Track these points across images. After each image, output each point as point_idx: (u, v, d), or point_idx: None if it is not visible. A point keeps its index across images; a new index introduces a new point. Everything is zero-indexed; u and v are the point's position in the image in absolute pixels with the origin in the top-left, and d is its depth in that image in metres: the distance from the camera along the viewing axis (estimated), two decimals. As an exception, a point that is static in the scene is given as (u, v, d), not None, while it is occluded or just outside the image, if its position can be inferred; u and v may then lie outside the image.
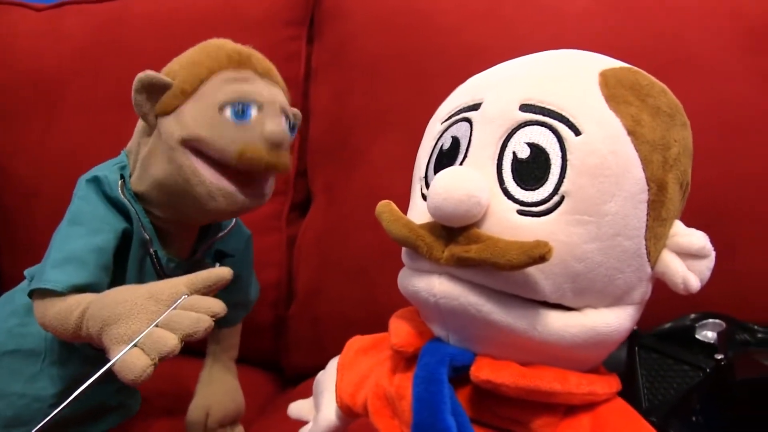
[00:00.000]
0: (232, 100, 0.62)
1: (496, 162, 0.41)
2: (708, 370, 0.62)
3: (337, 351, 0.95)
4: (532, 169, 0.40)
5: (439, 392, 0.41)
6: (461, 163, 0.42)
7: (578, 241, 0.39)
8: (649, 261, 0.42)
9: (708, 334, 0.67)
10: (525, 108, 0.41)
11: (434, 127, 0.46)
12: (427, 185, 0.44)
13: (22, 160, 1.07)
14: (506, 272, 0.39)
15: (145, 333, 0.49)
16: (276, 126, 0.62)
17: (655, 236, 0.42)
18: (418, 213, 0.44)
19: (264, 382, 0.99)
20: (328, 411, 0.55)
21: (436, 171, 0.43)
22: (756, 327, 0.69)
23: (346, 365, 0.54)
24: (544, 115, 0.40)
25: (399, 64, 0.96)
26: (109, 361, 0.48)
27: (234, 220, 0.75)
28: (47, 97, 1.06)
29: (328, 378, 0.57)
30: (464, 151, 0.42)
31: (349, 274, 0.93)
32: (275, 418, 0.83)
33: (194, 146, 0.62)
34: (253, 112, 0.62)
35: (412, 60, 0.95)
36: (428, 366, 0.42)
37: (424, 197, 0.44)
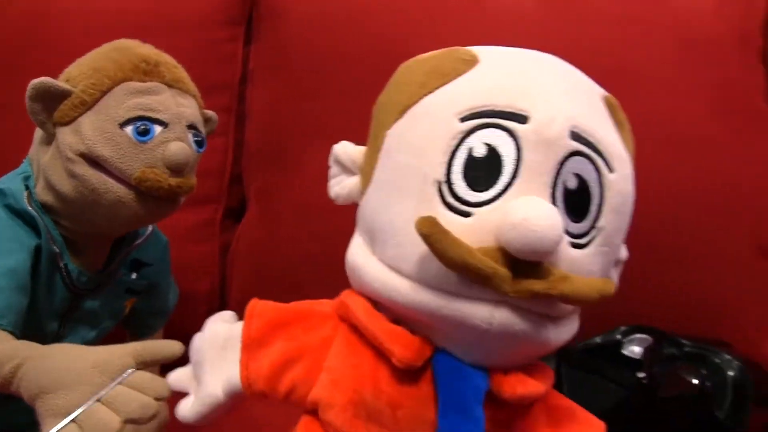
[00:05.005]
0: (134, 117, 0.59)
1: (551, 190, 0.40)
2: (631, 387, 0.62)
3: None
4: (579, 200, 0.41)
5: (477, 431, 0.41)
6: (510, 182, 0.40)
7: (598, 270, 0.43)
8: None
9: (635, 350, 0.66)
10: (574, 136, 0.40)
11: (447, 118, 0.42)
12: (453, 194, 0.40)
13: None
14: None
15: (85, 407, 0.45)
16: (179, 149, 0.59)
17: None
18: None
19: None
20: (213, 386, 0.49)
21: (468, 180, 0.40)
22: (684, 341, 0.69)
23: (255, 340, 0.48)
24: (589, 147, 0.41)
25: (339, 68, 0.93)
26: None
27: (151, 227, 0.72)
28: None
29: (211, 346, 0.51)
30: (513, 170, 0.40)
31: (283, 286, 0.91)
32: (207, 430, 0.81)
33: (94, 161, 0.59)
34: (157, 130, 0.59)
35: (353, 64, 0.93)
36: (464, 400, 0.42)
37: (449, 207, 0.40)
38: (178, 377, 0.53)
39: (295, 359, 0.46)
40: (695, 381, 0.63)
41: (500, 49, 0.46)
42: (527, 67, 0.44)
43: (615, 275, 0.47)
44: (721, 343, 0.70)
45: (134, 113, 0.59)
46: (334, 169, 0.51)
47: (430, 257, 0.39)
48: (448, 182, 0.40)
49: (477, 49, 0.45)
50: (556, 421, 0.46)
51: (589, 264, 0.42)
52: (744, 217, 0.86)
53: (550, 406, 0.47)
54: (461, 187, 0.40)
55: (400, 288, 0.41)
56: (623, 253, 0.48)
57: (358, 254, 0.46)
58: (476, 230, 0.39)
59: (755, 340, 0.86)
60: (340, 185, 0.49)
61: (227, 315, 0.54)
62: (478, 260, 0.37)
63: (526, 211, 0.37)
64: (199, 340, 0.52)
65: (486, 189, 0.40)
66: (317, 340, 0.46)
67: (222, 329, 0.51)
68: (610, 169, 0.42)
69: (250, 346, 0.47)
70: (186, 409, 0.51)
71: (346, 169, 0.49)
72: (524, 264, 0.38)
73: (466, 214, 0.40)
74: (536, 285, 0.38)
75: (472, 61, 0.44)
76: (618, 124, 0.45)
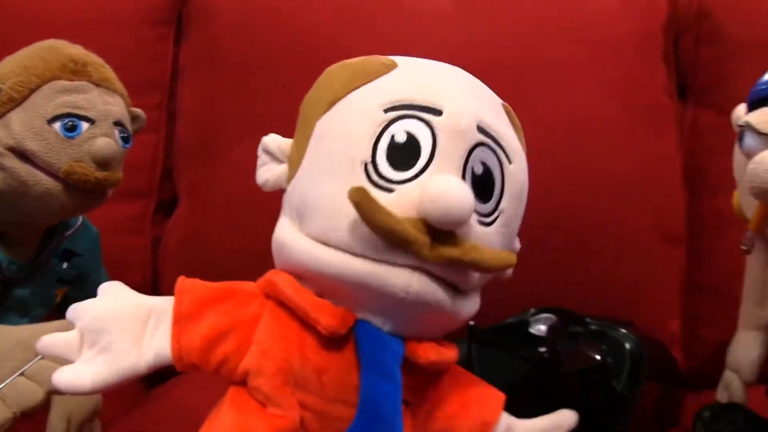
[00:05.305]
0: (62, 114, 0.61)
1: (461, 173, 0.45)
2: (534, 362, 0.67)
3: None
4: (484, 185, 0.46)
5: (396, 393, 0.45)
6: (427, 164, 0.44)
7: (500, 247, 0.48)
8: None
9: (541, 328, 0.71)
10: (480, 130, 0.46)
11: (372, 109, 0.46)
12: (377, 173, 0.45)
13: None
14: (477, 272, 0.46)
15: (8, 381, 0.46)
16: (105, 144, 0.62)
17: None
18: None
19: (129, 382, 0.97)
20: (134, 359, 0.47)
21: (390, 161, 0.45)
22: (589, 320, 0.73)
23: (186, 315, 0.48)
24: (492, 140, 0.46)
25: (265, 66, 0.97)
26: None
27: (80, 218, 0.74)
28: None
29: (125, 317, 0.48)
30: (429, 153, 0.45)
31: (213, 276, 0.92)
32: (139, 417, 0.83)
33: (23, 154, 0.61)
34: (84, 126, 0.62)
35: (277, 62, 0.97)
36: (384, 363, 0.46)
37: (374, 184, 0.45)
38: (53, 342, 0.48)
39: (227, 333, 0.48)
40: (597, 356, 0.69)
41: (415, 59, 0.51)
42: (439, 73, 0.50)
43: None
44: (626, 323, 0.75)
45: (62, 110, 0.61)
46: (263, 158, 0.54)
47: (358, 226, 0.43)
48: (374, 163, 0.45)
49: (395, 57, 0.50)
50: (463, 391, 0.51)
51: (493, 241, 0.47)
52: (647, 204, 0.93)
53: (456, 377, 0.51)
54: (384, 166, 0.45)
55: (329, 259, 0.45)
56: (517, 245, 0.53)
57: (286, 233, 0.49)
58: (398, 204, 0.43)
59: (658, 318, 0.93)
60: (269, 172, 0.53)
61: (123, 286, 0.51)
62: (402, 226, 0.42)
63: (444, 185, 0.42)
64: (103, 308, 0.49)
65: (406, 169, 0.44)
66: (247, 316, 0.48)
67: (144, 301, 0.50)
68: (509, 161, 0.48)
69: (181, 321, 0.48)
70: (85, 377, 0.46)
71: (275, 158, 0.53)
72: (441, 234, 0.43)
73: (389, 190, 0.44)
74: (451, 252, 0.43)
75: (392, 66, 0.49)
76: (514, 126, 0.51)
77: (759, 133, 0.51)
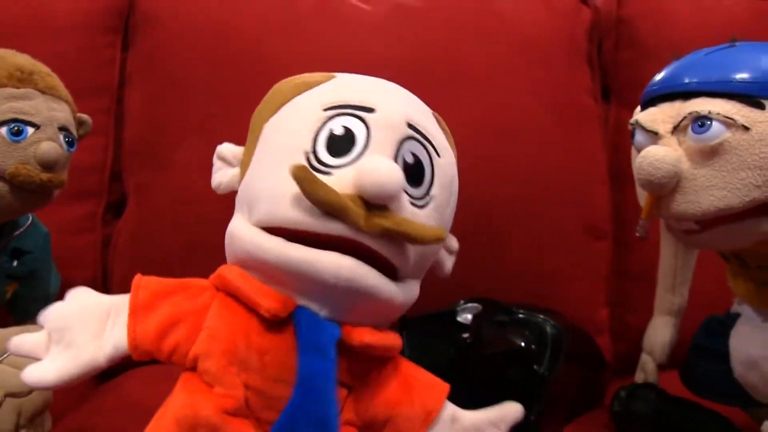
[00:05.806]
0: (8, 120, 0.64)
1: (393, 160, 0.50)
2: (459, 347, 0.71)
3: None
4: (415, 172, 0.51)
5: (330, 370, 0.49)
6: (362, 152, 0.49)
7: None
8: None
9: (467, 316, 0.76)
10: (410, 126, 0.51)
11: (314, 109, 0.51)
12: (317, 160, 0.49)
13: None
14: (408, 245, 0.50)
15: None
16: (50, 148, 0.65)
17: None
18: None
19: (91, 374, 0.98)
20: (94, 352, 0.51)
21: (330, 151, 0.49)
22: (515, 309, 0.78)
23: (142, 307, 0.51)
24: (421, 136, 0.52)
25: (207, 72, 1.01)
26: None
27: (30, 218, 0.77)
28: None
29: (80, 313, 0.52)
30: (364, 143, 0.49)
31: (160, 272, 0.96)
32: (89, 411, 0.84)
33: None
34: (30, 131, 0.65)
35: (219, 70, 1.01)
36: (319, 343, 0.49)
37: (315, 169, 0.49)
38: (22, 341, 0.52)
39: (179, 321, 0.51)
40: (520, 341, 0.73)
41: (353, 74, 0.56)
42: (373, 82, 0.56)
43: (449, 262, 0.59)
44: (552, 311, 0.78)
45: (8, 116, 0.64)
46: (217, 164, 0.58)
47: (298, 202, 0.47)
48: (314, 152, 0.50)
49: (335, 72, 0.56)
50: (406, 378, 0.55)
51: (428, 222, 0.51)
52: (573, 201, 0.98)
53: (400, 366, 0.56)
54: (324, 154, 0.49)
55: (268, 245, 0.49)
56: (454, 243, 0.59)
57: (236, 225, 0.52)
58: (336, 183, 0.47)
59: (586, 308, 0.99)
60: (223, 175, 0.57)
61: (89, 290, 0.56)
62: (338, 196, 0.46)
63: (376, 162, 0.48)
64: (67, 308, 0.53)
65: (344, 156, 0.49)
66: (198, 306, 0.51)
67: (105, 299, 0.53)
68: (438, 155, 0.53)
69: (136, 312, 0.51)
70: (48, 372, 0.51)
71: (228, 163, 0.57)
72: (376, 208, 0.47)
73: (328, 174, 0.48)
74: (385, 222, 0.47)
75: (332, 77, 0.55)
76: (444, 132, 0.56)
77: (646, 131, 0.56)
